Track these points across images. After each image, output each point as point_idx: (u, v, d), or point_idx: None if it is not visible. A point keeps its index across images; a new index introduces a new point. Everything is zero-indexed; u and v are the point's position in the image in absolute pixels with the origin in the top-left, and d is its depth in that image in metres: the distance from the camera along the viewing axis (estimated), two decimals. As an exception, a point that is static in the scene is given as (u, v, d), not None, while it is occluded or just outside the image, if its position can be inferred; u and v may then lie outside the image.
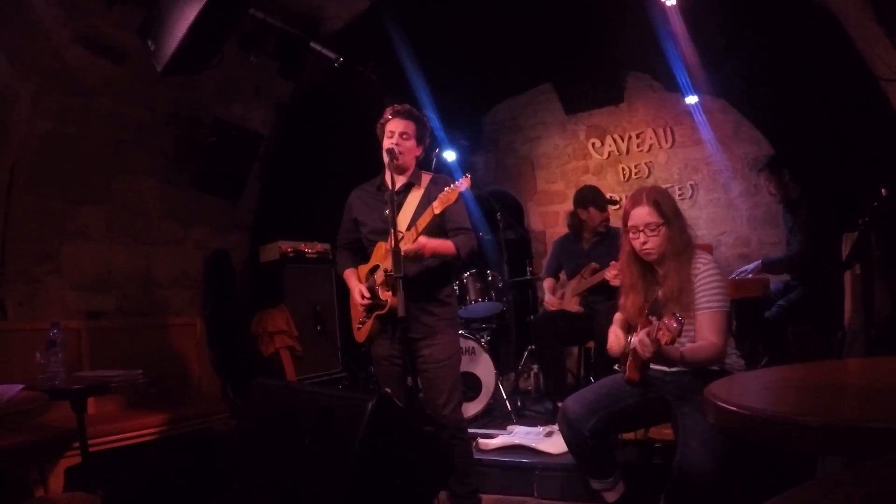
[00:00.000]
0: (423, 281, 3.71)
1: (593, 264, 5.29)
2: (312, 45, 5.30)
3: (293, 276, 6.44)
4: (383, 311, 3.65)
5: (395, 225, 3.34)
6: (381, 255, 3.75)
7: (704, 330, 3.05)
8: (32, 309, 4.80)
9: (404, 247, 3.37)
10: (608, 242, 5.38)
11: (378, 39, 5.74)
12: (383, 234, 3.71)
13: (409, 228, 3.65)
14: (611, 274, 4.90)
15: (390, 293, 3.54)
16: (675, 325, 2.67)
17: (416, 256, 3.49)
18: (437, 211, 3.45)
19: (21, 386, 2.86)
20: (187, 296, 6.09)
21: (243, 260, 6.68)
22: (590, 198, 5.54)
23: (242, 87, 6.04)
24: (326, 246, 6.69)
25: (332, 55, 5.47)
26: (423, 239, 3.50)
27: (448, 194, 3.44)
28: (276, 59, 5.25)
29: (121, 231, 5.49)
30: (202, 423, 4.83)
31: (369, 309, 3.78)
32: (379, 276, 3.70)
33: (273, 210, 6.80)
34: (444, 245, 3.65)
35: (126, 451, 4.33)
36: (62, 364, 3.51)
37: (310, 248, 6.57)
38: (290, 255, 6.43)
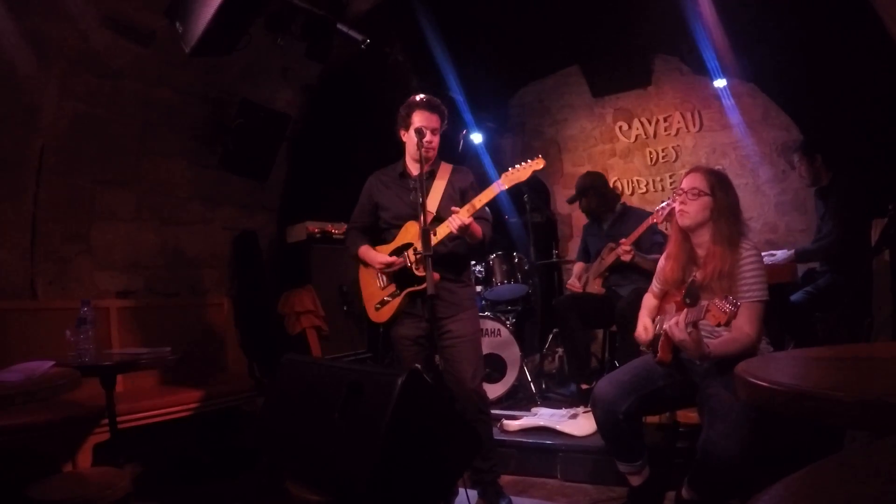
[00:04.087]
0: (449, 262, 3.86)
1: (609, 244, 5.29)
2: (339, 26, 5.28)
3: (320, 256, 6.46)
4: (419, 288, 3.71)
5: (425, 206, 3.40)
6: (413, 234, 3.80)
7: (742, 321, 3.01)
8: (62, 288, 4.86)
9: (463, 219, 3.57)
10: (625, 221, 5.42)
11: (405, 21, 5.73)
12: (408, 219, 3.81)
13: (437, 213, 3.81)
14: (622, 250, 4.94)
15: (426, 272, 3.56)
16: (728, 307, 2.64)
17: (464, 233, 3.65)
18: (483, 202, 3.67)
19: (52, 362, 2.91)
20: (215, 276, 6.14)
21: (270, 240, 6.72)
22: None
23: (269, 69, 6.06)
24: (353, 227, 6.71)
25: (358, 37, 5.46)
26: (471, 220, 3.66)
27: (491, 190, 3.66)
28: (302, 41, 5.23)
29: (149, 211, 5.54)
30: (229, 402, 4.89)
31: (400, 286, 3.86)
32: (411, 255, 3.74)
33: (300, 191, 6.82)
34: (477, 230, 3.77)
35: (154, 428, 4.39)
36: (92, 341, 3.54)
37: (336, 229, 6.57)
38: (317, 235, 6.46)
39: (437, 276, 3.55)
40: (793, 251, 5.15)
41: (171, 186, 5.71)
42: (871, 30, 4.68)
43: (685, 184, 3.26)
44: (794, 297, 5.11)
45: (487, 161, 7.80)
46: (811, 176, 5.23)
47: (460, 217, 3.59)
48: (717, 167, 3.42)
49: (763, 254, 5.20)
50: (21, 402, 2.50)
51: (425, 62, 5.97)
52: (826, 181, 5.19)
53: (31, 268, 4.68)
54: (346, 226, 6.58)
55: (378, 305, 4.00)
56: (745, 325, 3.02)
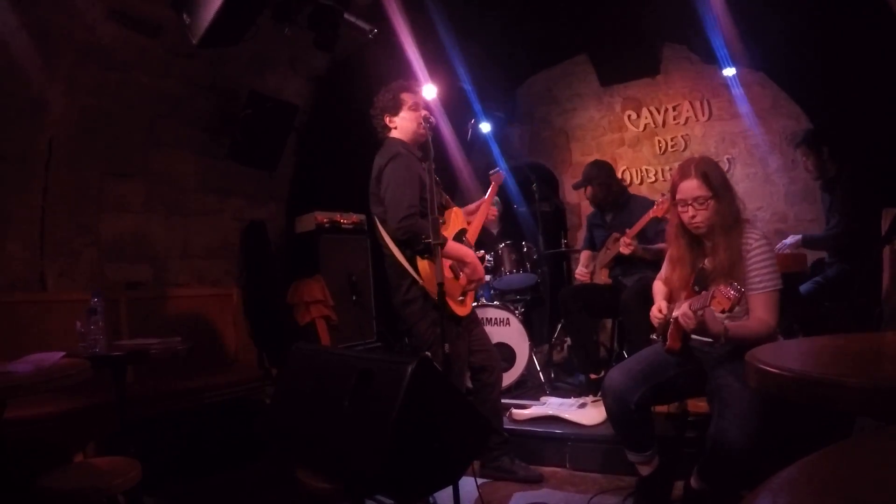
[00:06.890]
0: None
1: (615, 234, 5.28)
2: (347, 15, 5.27)
3: (329, 246, 6.47)
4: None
5: (431, 194, 3.36)
6: (462, 220, 3.86)
7: (759, 311, 2.99)
8: (72, 280, 4.88)
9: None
10: (627, 211, 5.38)
11: (413, 10, 5.70)
12: (449, 204, 3.76)
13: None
14: (623, 243, 4.94)
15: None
16: (732, 293, 2.63)
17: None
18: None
19: (62, 353, 2.91)
20: (224, 266, 6.15)
21: (279, 231, 6.73)
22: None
23: (277, 59, 6.05)
24: (362, 216, 6.70)
25: (366, 26, 5.44)
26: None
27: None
28: (310, 31, 5.22)
29: (158, 203, 5.55)
30: (239, 392, 4.90)
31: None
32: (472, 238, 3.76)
33: (308, 181, 6.83)
34: None
35: (164, 418, 4.40)
36: (102, 332, 3.54)
37: (345, 219, 6.59)
38: (326, 225, 6.47)
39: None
40: (799, 236, 5.14)
41: (179, 178, 5.72)
42: (880, 18, 4.65)
43: (685, 193, 3.15)
44: (803, 288, 5.09)
45: (496, 150, 7.81)
46: (818, 169, 5.21)
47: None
48: (697, 156, 3.33)
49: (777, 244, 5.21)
50: (32, 394, 2.51)
51: (434, 51, 5.94)
52: (833, 172, 5.17)
53: (40, 260, 4.70)
54: (354, 215, 6.62)
55: (462, 297, 3.91)
56: (762, 314, 2.99)
